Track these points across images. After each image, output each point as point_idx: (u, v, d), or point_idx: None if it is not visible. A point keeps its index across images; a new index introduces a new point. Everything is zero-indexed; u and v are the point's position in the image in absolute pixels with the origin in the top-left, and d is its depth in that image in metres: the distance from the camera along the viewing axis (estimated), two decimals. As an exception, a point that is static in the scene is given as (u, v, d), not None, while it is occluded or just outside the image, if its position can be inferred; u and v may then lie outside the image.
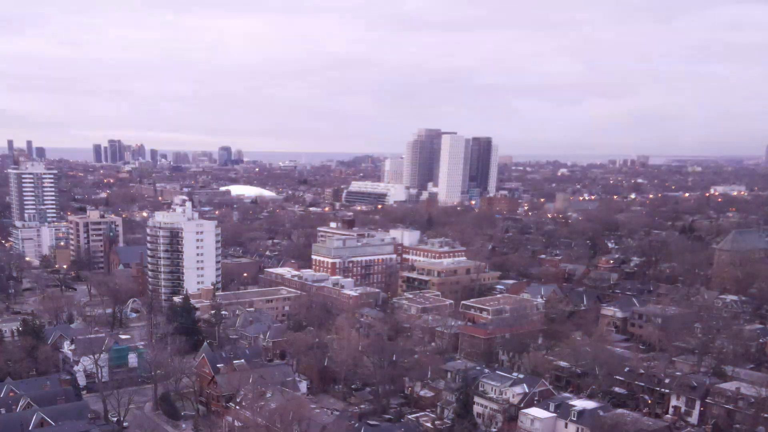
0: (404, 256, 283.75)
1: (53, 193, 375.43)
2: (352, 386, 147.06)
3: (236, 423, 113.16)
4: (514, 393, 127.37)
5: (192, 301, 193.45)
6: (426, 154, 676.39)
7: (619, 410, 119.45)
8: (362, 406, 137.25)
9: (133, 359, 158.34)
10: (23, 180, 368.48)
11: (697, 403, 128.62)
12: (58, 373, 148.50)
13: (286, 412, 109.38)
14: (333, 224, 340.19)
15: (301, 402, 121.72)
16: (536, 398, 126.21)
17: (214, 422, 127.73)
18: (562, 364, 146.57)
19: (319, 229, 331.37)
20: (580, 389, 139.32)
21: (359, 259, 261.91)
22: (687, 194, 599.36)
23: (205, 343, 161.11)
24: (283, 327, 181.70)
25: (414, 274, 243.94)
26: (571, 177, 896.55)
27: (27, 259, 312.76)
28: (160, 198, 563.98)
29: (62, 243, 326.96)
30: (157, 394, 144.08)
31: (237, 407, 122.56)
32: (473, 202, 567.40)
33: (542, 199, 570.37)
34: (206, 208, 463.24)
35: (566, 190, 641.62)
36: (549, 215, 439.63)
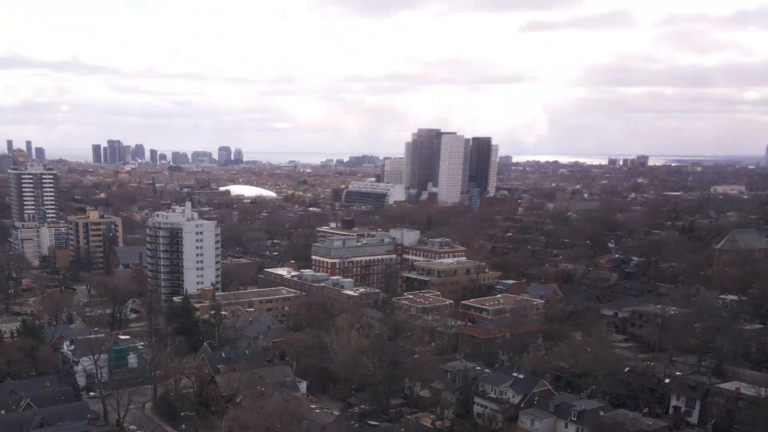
0: (404, 256, 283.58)
1: (53, 194, 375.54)
2: (352, 386, 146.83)
3: (236, 424, 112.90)
4: (514, 393, 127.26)
5: (192, 301, 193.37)
6: (425, 154, 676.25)
7: (619, 410, 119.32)
8: (362, 407, 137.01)
9: (132, 359, 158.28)
10: (23, 180, 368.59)
11: (697, 403, 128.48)
12: (57, 373, 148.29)
13: (285, 413, 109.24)
14: (333, 224, 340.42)
15: (301, 402, 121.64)
16: (536, 398, 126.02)
17: (214, 423, 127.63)
18: (562, 364, 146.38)
19: (318, 229, 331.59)
20: (580, 389, 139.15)
21: (359, 259, 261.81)
22: (687, 194, 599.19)
23: (204, 344, 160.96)
24: (282, 327, 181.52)
25: (414, 274, 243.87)
26: (571, 177, 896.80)
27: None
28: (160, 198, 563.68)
29: (62, 243, 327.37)
30: (157, 394, 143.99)
31: (237, 408, 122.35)
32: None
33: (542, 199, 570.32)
34: (206, 208, 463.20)
35: (566, 190, 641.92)
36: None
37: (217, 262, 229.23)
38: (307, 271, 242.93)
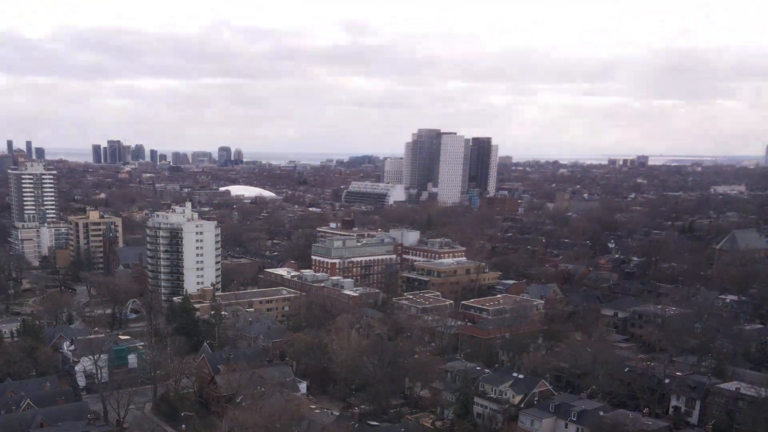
0: (404, 256, 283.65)
1: (53, 194, 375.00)
2: (352, 387, 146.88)
3: (236, 424, 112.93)
4: (514, 393, 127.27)
5: (192, 301, 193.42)
6: (425, 154, 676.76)
7: (619, 410, 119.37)
8: (362, 407, 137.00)
9: (132, 360, 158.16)
10: (23, 181, 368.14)
11: (697, 403, 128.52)
12: (57, 373, 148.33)
13: (285, 413, 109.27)
14: (333, 224, 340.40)
15: (301, 402, 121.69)
16: (536, 398, 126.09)
17: (214, 423, 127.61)
18: (562, 364, 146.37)
19: (318, 229, 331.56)
20: (580, 389, 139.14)
21: (359, 259, 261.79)
22: (687, 194, 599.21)
23: (204, 344, 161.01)
24: (282, 327, 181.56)
25: (414, 275, 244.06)
26: (571, 177, 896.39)
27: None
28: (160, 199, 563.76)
29: (62, 243, 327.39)
30: (157, 394, 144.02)
31: (237, 408, 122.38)
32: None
33: (542, 199, 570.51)
34: (206, 208, 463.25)
35: (566, 190, 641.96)
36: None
37: (217, 263, 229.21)
38: (307, 272, 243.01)
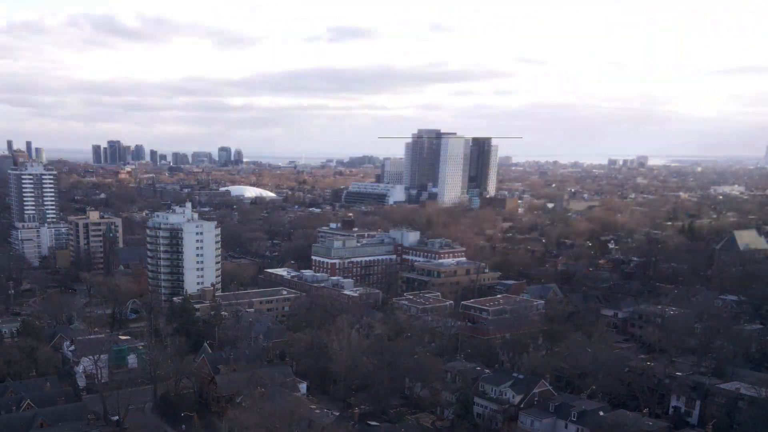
0: (404, 256, 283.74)
1: (53, 194, 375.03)
2: (352, 387, 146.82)
3: (236, 424, 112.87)
4: (514, 393, 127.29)
5: (192, 301, 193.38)
6: (425, 154, 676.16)
7: (619, 410, 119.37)
8: (362, 407, 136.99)
9: (132, 360, 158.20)
10: (23, 181, 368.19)
11: (697, 403, 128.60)
12: (57, 374, 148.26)
13: (285, 413, 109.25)
14: (333, 224, 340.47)
15: (301, 403, 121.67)
16: (536, 398, 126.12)
17: (214, 423, 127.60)
18: (562, 364, 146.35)
19: (318, 229, 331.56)
20: (580, 389, 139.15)
21: (359, 259, 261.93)
22: (687, 194, 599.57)
23: (204, 344, 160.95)
24: (282, 328, 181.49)
25: (414, 275, 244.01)
26: (571, 177, 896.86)
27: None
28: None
29: (62, 244, 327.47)
30: (157, 394, 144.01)
31: (237, 408, 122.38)
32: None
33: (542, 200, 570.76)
34: (206, 209, 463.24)
35: (566, 190, 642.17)
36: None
37: (217, 263, 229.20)
38: (307, 272, 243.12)
